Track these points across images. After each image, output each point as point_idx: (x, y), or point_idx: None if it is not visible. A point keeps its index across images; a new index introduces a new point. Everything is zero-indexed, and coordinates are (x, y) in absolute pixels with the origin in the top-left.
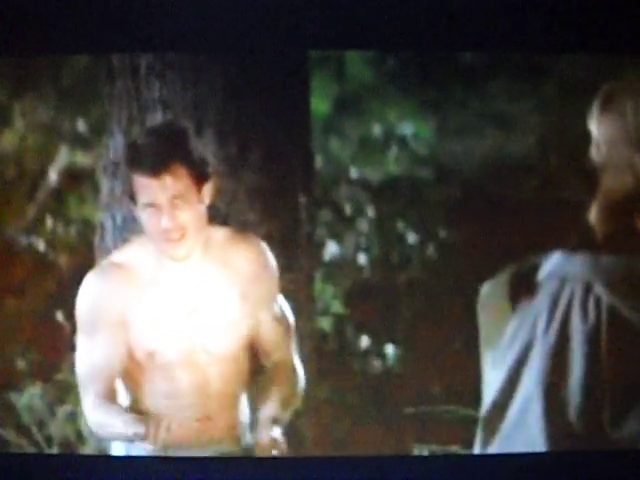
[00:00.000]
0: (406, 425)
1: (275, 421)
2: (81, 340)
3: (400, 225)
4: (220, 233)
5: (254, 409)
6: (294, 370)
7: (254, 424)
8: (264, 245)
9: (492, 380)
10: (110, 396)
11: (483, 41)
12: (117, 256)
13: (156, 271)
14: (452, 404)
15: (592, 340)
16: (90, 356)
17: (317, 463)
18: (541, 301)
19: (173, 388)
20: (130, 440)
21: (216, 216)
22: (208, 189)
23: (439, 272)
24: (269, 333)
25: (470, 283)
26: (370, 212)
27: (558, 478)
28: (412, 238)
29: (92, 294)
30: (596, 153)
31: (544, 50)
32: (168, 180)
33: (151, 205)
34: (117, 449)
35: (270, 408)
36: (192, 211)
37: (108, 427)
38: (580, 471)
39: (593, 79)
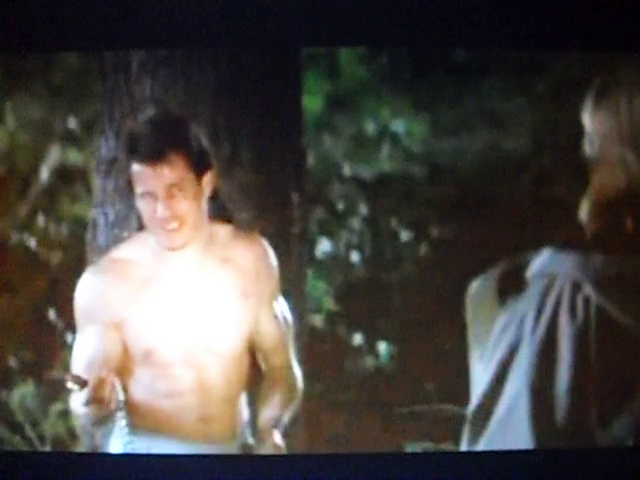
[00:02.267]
0: (399, 422)
1: (276, 424)
2: (77, 337)
3: (393, 223)
4: (223, 230)
5: (254, 411)
6: (293, 372)
7: (255, 428)
8: (266, 244)
9: (480, 377)
10: None
11: (476, 38)
12: (116, 253)
13: (156, 268)
14: (445, 402)
15: (580, 339)
16: (83, 353)
17: (309, 460)
18: (529, 299)
19: (172, 387)
20: (97, 423)
21: (220, 213)
22: (208, 180)
23: (431, 270)
24: (268, 334)
25: (463, 281)
26: (363, 209)
27: (546, 475)
28: (405, 236)
29: (89, 291)
30: (589, 148)
31: (537, 47)
32: (165, 169)
33: (147, 194)
34: (112, 447)
35: (270, 411)
36: (190, 201)
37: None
38: (567, 469)
39: (586, 76)
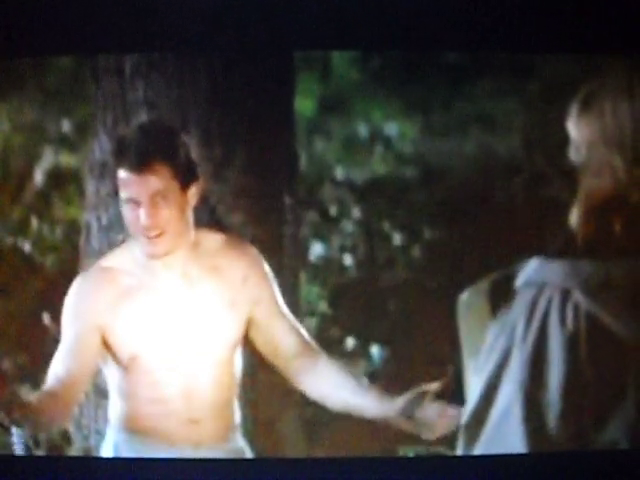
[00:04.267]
0: (391, 426)
1: None
2: (61, 343)
3: (385, 225)
4: (212, 239)
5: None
6: None
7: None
8: (257, 252)
9: (474, 386)
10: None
11: (468, 41)
12: (104, 261)
13: (141, 276)
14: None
15: (571, 346)
16: (59, 357)
17: (303, 464)
18: (519, 308)
19: (158, 393)
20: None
21: (207, 220)
22: (194, 191)
23: (424, 273)
24: (288, 339)
25: (455, 283)
26: (355, 213)
27: (540, 479)
28: (397, 239)
29: (75, 298)
30: (575, 155)
31: (528, 50)
32: (150, 177)
33: (131, 200)
34: (105, 451)
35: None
36: (173, 211)
37: None
38: (561, 472)
39: (577, 79)
